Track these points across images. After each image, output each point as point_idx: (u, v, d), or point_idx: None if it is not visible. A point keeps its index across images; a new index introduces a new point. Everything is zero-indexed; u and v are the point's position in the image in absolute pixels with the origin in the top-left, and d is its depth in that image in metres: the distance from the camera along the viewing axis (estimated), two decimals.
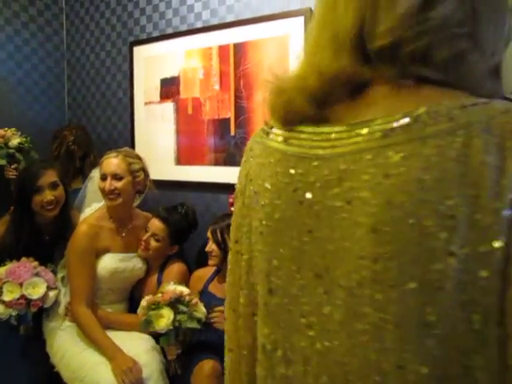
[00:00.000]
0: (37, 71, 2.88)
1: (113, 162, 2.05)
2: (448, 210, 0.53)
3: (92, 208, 2.20)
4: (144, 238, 2.12)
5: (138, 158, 2.16)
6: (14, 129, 2.44)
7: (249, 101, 2.25)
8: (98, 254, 2.05)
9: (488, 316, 0.52)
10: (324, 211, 0.60)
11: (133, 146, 2.69)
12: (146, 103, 2.65)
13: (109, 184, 2.01)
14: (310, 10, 2.05)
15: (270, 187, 0.66)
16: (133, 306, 2.19)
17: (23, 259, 1.99)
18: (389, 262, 0.56)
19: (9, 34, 2.74)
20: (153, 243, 2.12)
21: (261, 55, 2.20)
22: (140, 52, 2.65)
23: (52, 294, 1.99)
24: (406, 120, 0.55)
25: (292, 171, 0.63)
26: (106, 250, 2.07)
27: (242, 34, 2.26)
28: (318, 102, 0.62)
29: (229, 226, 2.12)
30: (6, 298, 1.87)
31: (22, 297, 1.89)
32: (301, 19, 2.07)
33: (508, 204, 0.51)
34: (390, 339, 0.56)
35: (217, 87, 2.36)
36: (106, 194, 2.02)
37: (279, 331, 0.65)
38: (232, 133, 2.32)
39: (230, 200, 2.34)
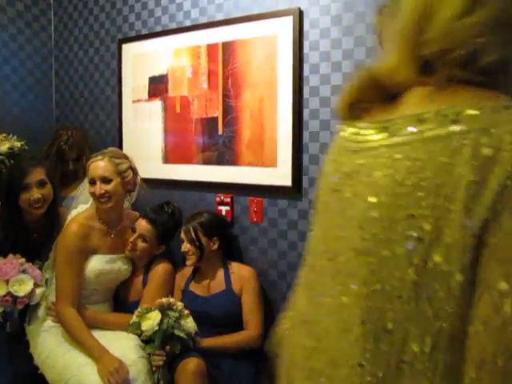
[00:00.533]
0: (24, 67, 2.85)
1: (99, 164, 2.03)
2: (417, 219, 0.53)
3: (78, 210, 2.18)
4: (131, 239, 2.11)
5: (125, 157, 2.14)
6: (4, 134, 2.40)
7: (237, 100, 2.25)
8: (87, 255, 2.03)
9: (437, 341, 0.52)
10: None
11: (120, 144, 2.68)
12: (134, 101, 2.63)
13: (98, 188, 1.99)
14: (299, 10, 2.06)
15: None
16: (117, 306, 2.19)
17: (10, 256, 1.98)
18: (365, 257, 0.57)
19: None
20: (140, 244, 2.11)
21: (249, 54, 2.20)
22: (129, 49, 2.64)
23: (39, 290, 1.98)
24: (415, 122, 0.56)
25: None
26: (95, 251, 2.05)
27: (230, 33, 2.25)
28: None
29: (201, 223, 2.12)
30: None
31: (9, 294, 1.89)
32: (289, 19, 2.07)
33: (479, 223, 0.49)
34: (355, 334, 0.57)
35: (205, 86, 2.36)
36: (97, 197, 2.00)
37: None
38: (220, 132, 2.32)
39: (217, 199, 2.34)
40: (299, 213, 2.13)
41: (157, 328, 1.81)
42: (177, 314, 1.85)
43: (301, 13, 2.06)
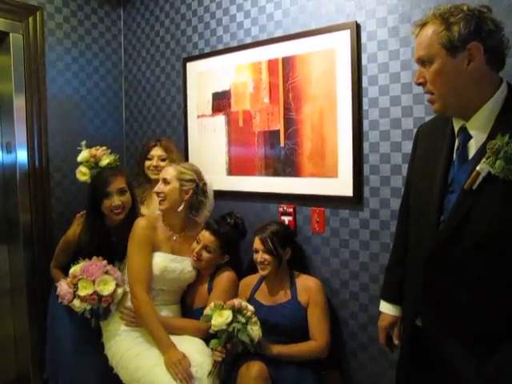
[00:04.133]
0: (98, 88, 3.09)
1: (167, 169, 2.25)
2: None
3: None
4: (196, 250, 2.21)
5: (196, 172, 2.28)
6: (104, 147, 2.53)
7: (297, 113, 2.32)
8: (153, 246, 2.18)
9: None
10: None
11: (186, 157, 2.82)
12: (198, 116, 2.77)
13: (157, 187, 2.20)
14: (356, 23, 2.09)
15: None
16: (183, 311, 2.29)
17: (94, 258, 2.17)
18: None
19: (74, 55, 2.96)
20: (205, 254, 2.21)
21: (308, 68, 2.27)
22: (192, 67, 2.79)
23: (120, 290, 2.15)
24: None
25: None
26: (158, 248, 2.19)
27: (289, 49, 2.33)
28: None
29: (274, 232, 2.17)
30: (81, 293, 2.07)
31: (95, 293, 2.07)
32: (347, 33, 2.11)
33: None
34: None
35: (266, 100, 2.44)
36: (157, 195, 2.21)
37: None
38: (282, 144, 2.39)
39: (280, 209, 2.41)
40: (360, 222, 2.16)
41: (224, 327, 1.87)
42: (244, 320, 1.90)
43: (358, 26, 2.10)
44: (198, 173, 2.28)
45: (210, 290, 2.25)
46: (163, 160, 2.57)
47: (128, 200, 2.29)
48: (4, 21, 2.64)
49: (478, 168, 1.22)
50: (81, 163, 2.47)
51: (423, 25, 1.32)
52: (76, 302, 2.08)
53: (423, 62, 1.32)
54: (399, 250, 1.62)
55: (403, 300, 1.57)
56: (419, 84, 1.36)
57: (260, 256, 2.12)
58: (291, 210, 2.38)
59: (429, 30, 1.29)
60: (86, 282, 2.08)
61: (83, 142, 2.52)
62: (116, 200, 2.23)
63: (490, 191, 1.21)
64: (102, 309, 2.11)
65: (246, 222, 2.40)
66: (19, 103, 2.70)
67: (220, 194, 2.59)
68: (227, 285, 2.22)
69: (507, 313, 1.22)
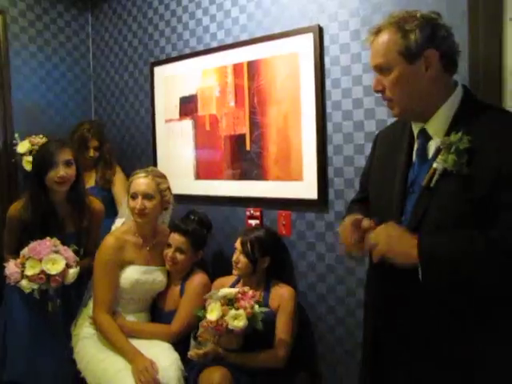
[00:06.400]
0: (66, 93, 3.06)
1: (143, 182, 2.16)
2: None
3: (116, 224, 2.31)
4: (170, 254, 2.19)
5: (164, 177, 2.27)
6: (41, 135, 2.64)
7: (263, 116, 2.32)
8: (123, 265, 2.16)
9: None
10: None
11: (155, 161, 2.81)
12: (166, 121, 2.76)
13: (140, 203, 2.12)
14: (319, 26, 2.11)
15: None
16: (155, 314, 2.28)
17: (46, 239, 2.13)
18: None
19: (40, 60, 2.93)
20: (179, 256, 2.20)
21: (273, 72, 2.27)
22: (160, 72, 2.78)
23: (72, 271, 2.11)
24: None
25: None
26: (130, 263, 2.17)
27: (254, 53, 2.34)
28: None
29: (257, 238, 2.14)
30: (29, 272, 2.03)
31: (42, 272, 2.03)
32: (310, 36, 2.13)
33: None
34: None
35: (232, 104, 2.44)
36: (137, 212, 2.13)
37: None
38: (248, 148, 2.39)
39: (247, 213, 2.41)
40: (326, 225, 2.17)
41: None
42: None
43: (320, 29, 2.11)
44: (165, 176, 2.26)
45: (182, 293, 2.24)
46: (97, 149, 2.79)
47: (73, 173, 2.25)
48: None
49: (434, 165, 1.24)
50: (24, 154, 2.46)
51: (378, 32, 1.33)
52: (24, 282, 2.05)
53: (381, 69, 1.33)
54: (357, 200, 1.66)
55: (364, 306, 1.57)
56: (377, 91, 1.37)
57: (236, 256, 2.13)
58: (258, 213, 2.38)
59: (384, 38, 1.30)
60: (33, 261, 2.05)
61: (16, 135, 2.58)
62: (61, 171, 2.19)
63: (446, 188, 1.23)
64: (52, 290, 2.09)
65: (215, 225, 2.40)
66: None
67: (188, 198, 2.58)
68: (199, 287, 2.21)
69: (460, 310, 1.23)
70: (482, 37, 1.63)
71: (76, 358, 2.11)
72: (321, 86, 2.12)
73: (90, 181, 2.75)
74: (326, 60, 2.12)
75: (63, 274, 2.08)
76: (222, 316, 1.85)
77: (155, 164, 2.80)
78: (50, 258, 2.06)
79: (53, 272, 2.04)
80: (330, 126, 2.13)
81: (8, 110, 2.73)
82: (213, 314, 1.87)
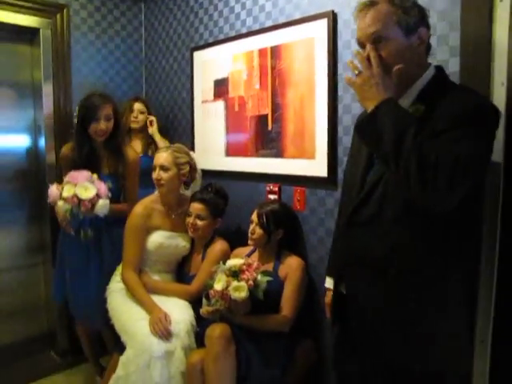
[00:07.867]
0: (119, 76, 3.39)
1: (162, 155, 2.43)
2: None
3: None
4: (190, 221, 2.43)
5: (187, 153, 2.51)
6: None
7: (282, 98, 2.48)
8: (150, 230, 2.44)
9: None
10: None
11: (192, 139, 3.06)
12: (203, 101, 2.99)
13: (157, 174, 2.40)
14: (333, 12, 2.20)
15: None
16: (180, 277, 2.56)
17: (86, 171, 2.40)
18: None
19: (98, 46, 3.27)
20: (199, 223, 2.43)
21: (292, 56, 2.41)
22: (198, 56, 3.00)
23: (102, 202, 2.32)
24: None
25: None
26: (157, 228, 2.45)
27: (277, 38, 2.48)
28: None
29: (272, 211, 2.33)
30: (64, 194, 2.30)
31: (75, 195, 2.29)
32: (324, 21, 2.23)
33: None
34: None
35: (257, 86, 2.61)
36: (155, 181, 2.41)
37: None
38: (269, 127, 2.56)
39: (267, 188, 2.59)
40: (335, 202, 2.29)
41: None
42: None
43: (334, 15, 2.21)
44: (188, 153, 2.51)
45: (203, 258, 2.48)
46: (142, 113, 3.07)
47: (111, 126, 2.53)
48: (35, 19, 2.99)
49: None
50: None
51: (372, 4, 1.38)
52: (60, 202, 2.31)
53: (377, 38, 1.36)
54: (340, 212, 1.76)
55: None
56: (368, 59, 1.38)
57: (252, 227, 2.30)
58: (276, 189, 2.55)
59: (383, 8, 1.36)
60: (69, 185, 2.30)
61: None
62: (102, 125, 2.48)
63: None
64: (82, 214, 2.33)
65: (239, 199, 2.60)
66: (47, 90, 3.05)
67: (219, 174, 2.81)
68: (219, 253, 2.43)
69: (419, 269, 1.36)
70: (473, 17, 1.67)
71: (108, 308, 2.43)
72: (333, 69, 2.22)
73: (137, 146, 3.03)
74: (340, 44, 2.22)
75: (92, 201, 2.29)
76: (227, 287, 2.02)
77: (193, 141, 3.05)
78: (84, 185, 2.30)
79: (83, 197, 2.27)
80: (340, 108, 2.23)
81: (68, 91, 3.11)
82: (219, 284, 2.05)
